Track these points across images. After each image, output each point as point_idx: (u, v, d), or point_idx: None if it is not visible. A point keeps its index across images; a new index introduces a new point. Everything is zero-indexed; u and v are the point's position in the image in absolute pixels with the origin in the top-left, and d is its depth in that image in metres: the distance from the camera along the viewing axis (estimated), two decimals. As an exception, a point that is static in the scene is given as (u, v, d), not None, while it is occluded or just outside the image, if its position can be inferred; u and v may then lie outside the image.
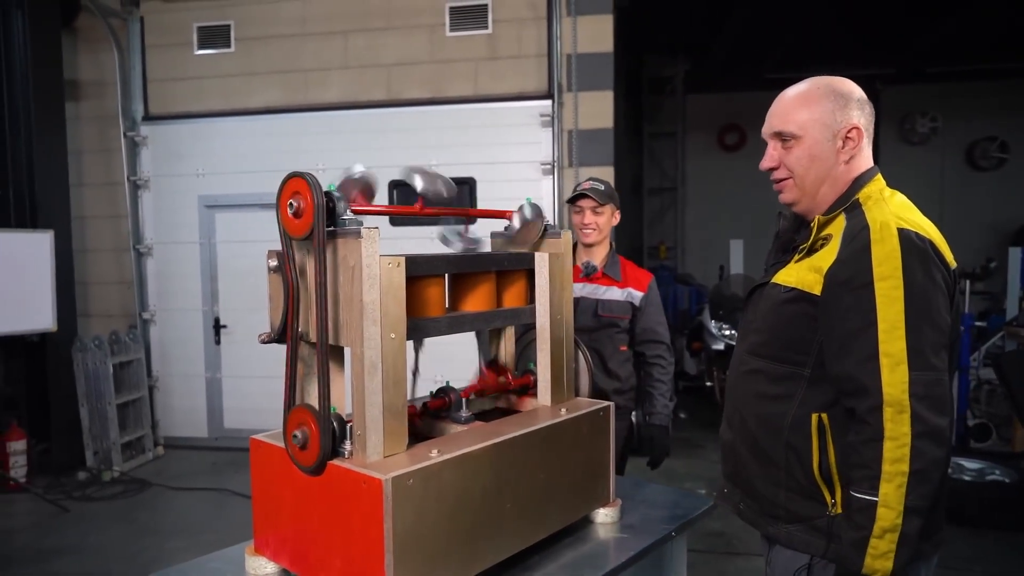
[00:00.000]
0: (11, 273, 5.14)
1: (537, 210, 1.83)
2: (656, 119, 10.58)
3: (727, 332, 6.20)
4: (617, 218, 2.88)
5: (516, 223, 1.80)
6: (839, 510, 1.45)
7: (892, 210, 1.44)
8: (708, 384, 6.41)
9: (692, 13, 8.00)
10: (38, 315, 5.27)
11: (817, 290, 1.44)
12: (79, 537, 4.36)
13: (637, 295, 2.82)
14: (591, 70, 5.60)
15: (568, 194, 5.56)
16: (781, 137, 1.56)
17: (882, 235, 1.38)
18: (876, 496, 1.32)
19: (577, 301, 2.73)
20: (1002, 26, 7.94)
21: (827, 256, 1.45)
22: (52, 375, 5.65)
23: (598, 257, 2.87)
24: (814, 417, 1.47)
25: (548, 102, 5.65)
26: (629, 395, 2.86)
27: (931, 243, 1.40)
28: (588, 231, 2.81)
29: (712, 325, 6.31)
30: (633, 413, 2.90)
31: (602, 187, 2.81)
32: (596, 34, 5.62)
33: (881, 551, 1.33)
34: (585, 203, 2.79)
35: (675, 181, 10.68)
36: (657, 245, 10.64)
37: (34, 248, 5.29)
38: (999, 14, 7.50)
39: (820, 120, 1.51)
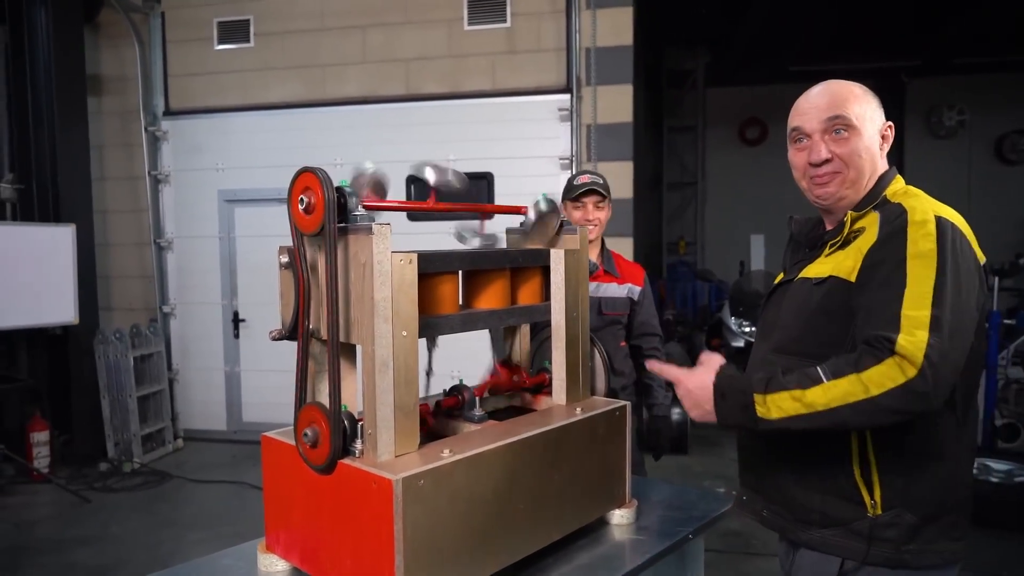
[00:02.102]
0: (34, 267, 5.21)
1: (553, 205, 1.79)
2: (676, 113, 10.46)
3: (747, 329, 6.12)
4: (610, 211, 2.82)
5: (531, 216, 1.77)
6: (879, 511, 1.42)
7: (929, 202, 1.44)
8: (727, 381, 6.34)
9: (712, 5, 7.90)
10: (60, 308, 5.34)
11: (854, 276, 1.42)
12: (100, 527, 4.41)
13: (636, 289, 2.78)
14: (610, 64, 5.55)
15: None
16: (837, 123, 1.49)
17: (921, 218, 1.37)
18: (826, 379, 1.30)
19: None
20: (1032, 16, 7.74)
21: (867, 241, 1.43)
22: (74, 367, 5.74)
23: (594, 254, 2.79)
24: None
25: (567, 96, 5.61)
26: (631, 390, 2.82)
27: (965, 236, 1.39)
28: (591, 227, 2.69)
29: (732, 322, 6.24)
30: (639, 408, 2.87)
31: (601, 181, 2.73)
32: (615, 27, 5.56)
33: (782, 406, 1.33)
34: (589, 198, 2.70)
35: (695, 176, 10.57)
36: (677, 241, 10.55)
37: (57, 242, 5.36)
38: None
39: (869, 116, 1.51)
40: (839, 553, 1.46)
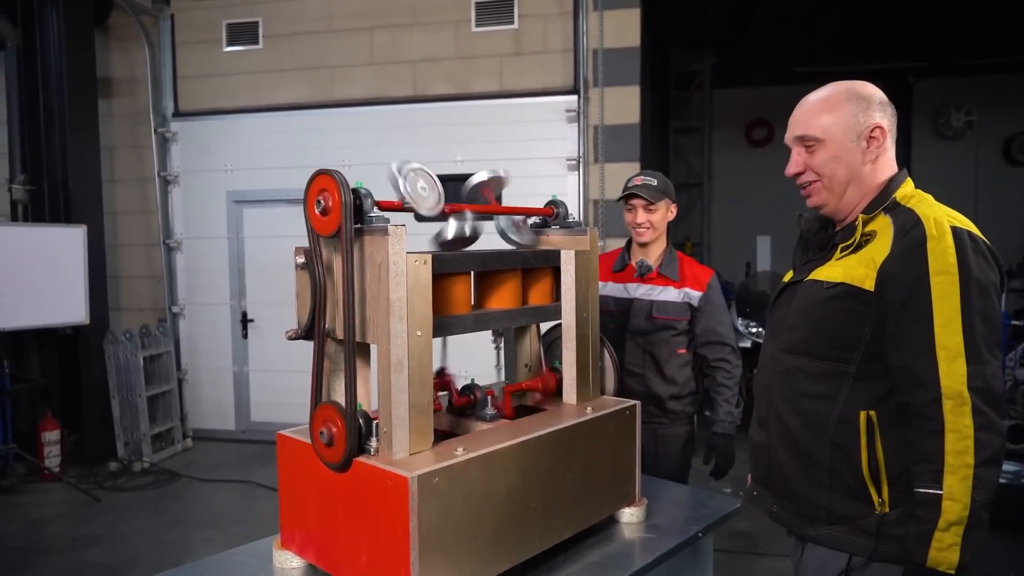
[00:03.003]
0: (45, 267, 5.25)
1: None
2: (682, 114, 10.44)
3: (754, 330, 6.12)
4: (674, 212, 2.70)
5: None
6: (887, 509, 1.44)
7: (940, 208, 1.46)
8: (734, 382, 6.34)
9: (719, 7, 7.89)
10: (71, 308, 5.38)
11: (869, 285, 1.43)
12: (110, 526, 4.44)
13: (695, 295, 2.65)
14: (617, 65, 5.55)
15: (594, 190, 5.60)
16: (804, 142, 1.56)
17: (938, 231, 1.39)
18: (940, 489, 1.31)
19: (631, 302, 2.65)
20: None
21: (880, 250, 1.44)
22: (84, 367, 5.77)
23: (653, 255, 2.71)
24: (862, 415, 1.46)
25: (574, 97, 5.62)
26: (687, 400, 2.71)
27: (983, 240, 1.41)
28: (642, 230, 2.64)
29: (739, 323, 6.23)
30: (693, 417, 2.76)
31: (655, 182, 2.64)
32: (622, 29, 5.57)
33: (947, 544, 1.32)
34: (637, 202, 2.63)
35: (701, 177, 10.54)
36: (683, 241, 10.53)
37: (67, 243, 5.39)
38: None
39: (843, 123, 1.51)
40: (846, 549, 1.48)
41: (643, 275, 2.68)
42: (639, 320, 2.65)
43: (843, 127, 1.51)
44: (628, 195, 2.65)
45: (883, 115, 1.52)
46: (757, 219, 10.02)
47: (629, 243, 2.81)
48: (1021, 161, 9.78)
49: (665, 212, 2.67)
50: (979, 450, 1.30)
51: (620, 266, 2.75)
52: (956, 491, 1.30)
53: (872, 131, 1.51)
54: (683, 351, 2.68)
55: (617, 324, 2.65)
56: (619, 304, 2.68)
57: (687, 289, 2.66)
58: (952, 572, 1.32)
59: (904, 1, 7.37)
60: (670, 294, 2.65)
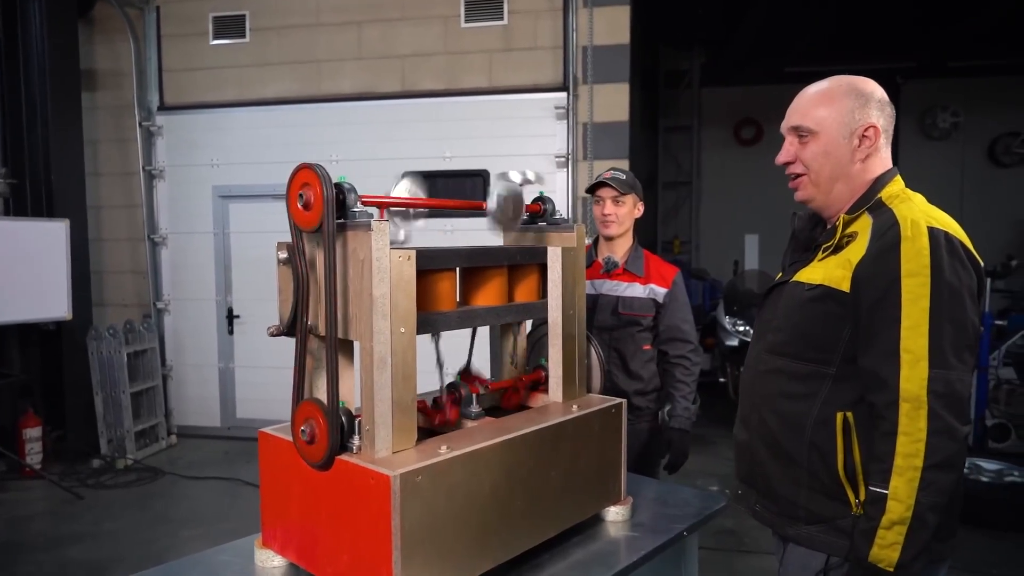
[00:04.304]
0: (27, 262, 5.18)
1: (512, 188, 1.71)
2: (671, 113, 10.47)
3: (741, 328, 6.13)
4: (640, 210, 2.74)
5: (493, 203, 1.69)
6: (863, 510, 1.43)
7: (921, 209, 1.44)
8: (721, 380, 6.36)
9: (709, 6, 7.90)
10: (54, 304, 5.31)
11: (845, 286, 1.43)
12: (93, 524, 4.40)
13: (660, 291, 2.68)
14: (607, 62, 5.55)
15: (582, 187, 5.58)
16: (798, 132, 1.55)
17: (912, 232, 1.38)
18: (887, 489, 1.33)
19: (597, 298, 2.65)
20: (1026, 20, 7.78)
21: (856, 252, 1.43)
22: (67, 363, 5.71)
23: (620, 251, 2.73)
24: (839, 416, 1.46)
25: (563, 94, 5.61)
26: (652, 396, 2.73)
27: (961, 243, 1.40)
28: (609, 222, 2.66)
29: (726, 321, 6.25)
30: (658, 414, 2.78)
31: (623, 176, 2.68)
32: (612, 26, 5.56)
33: (888, 541, 1.34)
34: (605, 192, 2.65)
35: (690, 175, 10.57)
36: (671, 240, 10.56)
37: (50, 237, 5.33)
38: (1023, 8, 7.34)
39: (838, 118, 1.50)
40: (824, 549, 1.49)
41: (609, 271, 2.70)
42: (604, 316, 2.67)
43: (837, 122, 1.50)
44: (597, 185, 2.68)
45: (880, 114, 1.51)
46: (745, 218, 10.07)
47: (596, 240, 2.83)
48: (1005, 162, 9.88)
49: (632, 207, 2.70)
50: (929, 453, 1.31)
51: (587, 262, 2.75)
52: (901, 492, 1.32)
53: (865, 130, 1.50)
54: (648, 347, 2.71)
55: None
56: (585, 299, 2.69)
57: (652, 285, 2.68)
58: (891, 570, 1.34)
59: (893, 4, 7.42)
60: (636, 290, 2.68)
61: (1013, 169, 9.88)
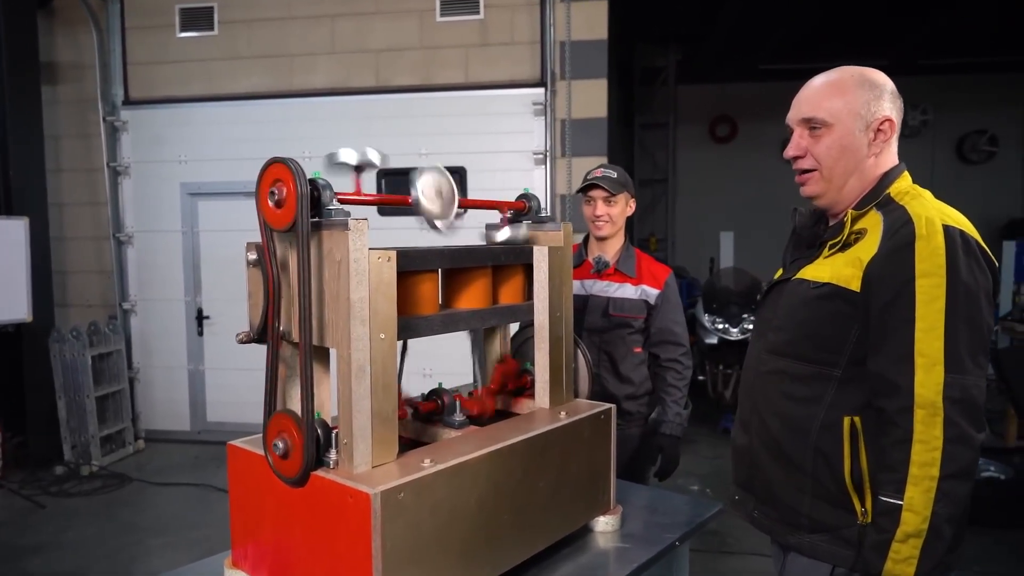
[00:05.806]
0: (-16, 261, 4.97)
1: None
2: (647, 110, 10.47)
3: (720, 326, 6.12)
4: (632, 207, 2.64)
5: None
6: (870, 519, 1.37)
7: (934, 206, 1.39)
8: (700, 378, 6.34)
9: (686, 2, 7.89)
10: (13, 305, 5.11)
11: (855, 285, 1.37)
12: (55, 534, 4.23)
13: (652, 292, 2.58)
14: (585, 58, 5.49)
15: (560, 184, 5.53)
16: (810, 124, 1.47)
17: (927, 231, 1.32)
18: (901, 500, 1.27)
19: (587, 299, 2.57)
20: (993, 21, 7.90)
21: (867, 249, 1.37)
22: (28, 367, 5.49)
23: (611, 251, 2.64)
24: (846, 420, 1.39)
25: (541, 90, 5.54)
26: (643, 400, 2.65)
27: (976, 242, 1.34)
28: (601, 223, 2.56)
29: (706, 319, 6.23)
30: (649, 418, 2.71)
31: (615, 174, 2.57)
32: (590, 21, 5.50)
33: (903, 556, 1.28)
34: (596, 193, 2.55)
35: (666, 172, 10.58)
36: (648, 237, 10.56)
37: (8, 235, 5.12)
38: (991, 9, 7.45)
39: (854, 109, 1.44)
40: (828, 559, 1.43)
41: (600, 271, 2.61)
42: (595, 317, 2.58)
43: (853, 114, 1.44)
44: (588, 186, 2.58)
45: (892, 107, 1.46)
46: (721, 215, 10.11)
47: (587, 238, 2.74)
48: (973, 160, 10.05)
49: (624, 206, 2.61)
50: (946, 462, 1.25)
51: (577, 262, 2.65)
52: (917, 503, 1.26)
53: (881, 123, 1.44)
54: (639, 349, 2.62)
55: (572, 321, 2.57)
56: (575, 300, 2.61)
57: (644, 286, 2.60)
58: None
59: (865, 3, 7.47)
60: (627, 291, 2.59)
61: (981, 166, 10.06)
